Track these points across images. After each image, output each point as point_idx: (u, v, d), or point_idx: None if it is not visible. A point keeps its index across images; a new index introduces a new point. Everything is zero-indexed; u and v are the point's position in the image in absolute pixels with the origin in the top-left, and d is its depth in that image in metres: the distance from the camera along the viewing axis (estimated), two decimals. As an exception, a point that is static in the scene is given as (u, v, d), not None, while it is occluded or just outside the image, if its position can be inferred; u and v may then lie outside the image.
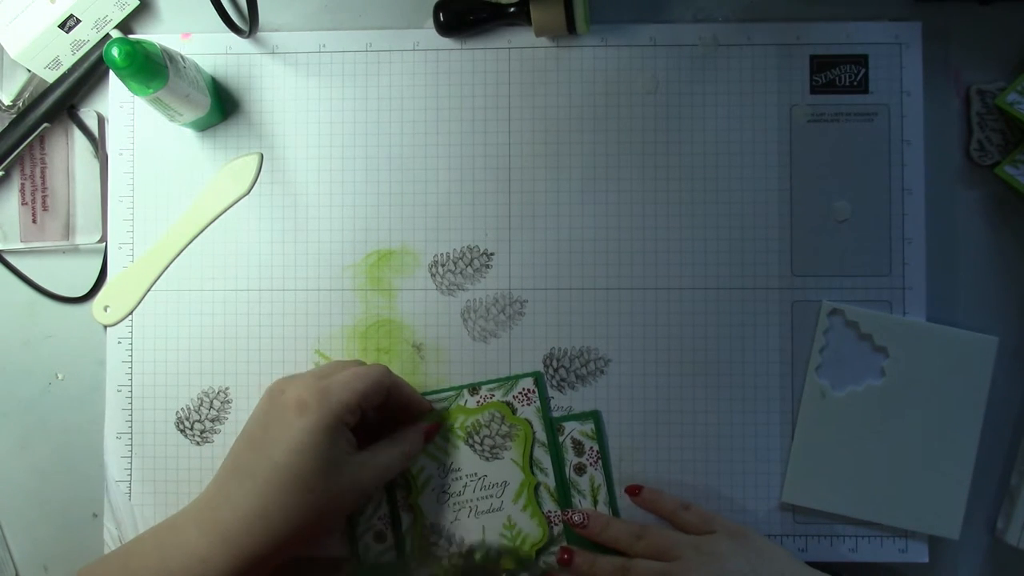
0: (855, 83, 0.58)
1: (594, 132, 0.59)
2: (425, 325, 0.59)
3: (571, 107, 0.59)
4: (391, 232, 0.59)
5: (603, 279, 0.58)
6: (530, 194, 0.59)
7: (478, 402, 0.58)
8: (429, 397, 0.58)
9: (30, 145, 0.59)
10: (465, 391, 0.58)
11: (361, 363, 0.56)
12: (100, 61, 0.58)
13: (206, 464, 0.59)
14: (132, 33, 0.60)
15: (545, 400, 0.58)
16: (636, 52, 0.59)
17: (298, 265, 0.59)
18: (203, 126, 0.59)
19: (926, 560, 0.57)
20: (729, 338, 0.58)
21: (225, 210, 0.59)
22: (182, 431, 0.59)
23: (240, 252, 0.59)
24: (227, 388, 0.59)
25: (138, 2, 0.59)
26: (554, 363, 0.58)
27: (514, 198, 0.59)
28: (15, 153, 0.59)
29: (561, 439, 0.58)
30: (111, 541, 0.58)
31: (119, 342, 0.59)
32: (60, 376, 0.61)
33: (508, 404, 0.58)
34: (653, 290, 0.58)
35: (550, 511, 0.57)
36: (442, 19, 0.58)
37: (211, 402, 0.59)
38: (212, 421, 0.59)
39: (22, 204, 0.60)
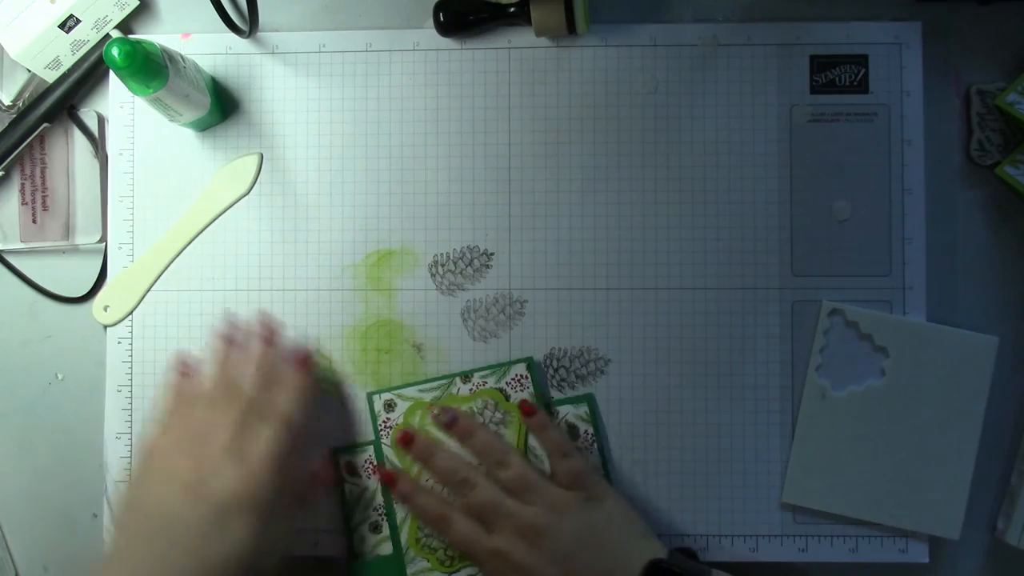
0: (855, 83, 0.58)
1: (594, 132, 0.59)
2: (425, 325, 0.59)
3: (571, 107, 0.59)
4: (391, 232, 0.59)
5: (603, 279, 0.58)
6: (530, 194, 0.59)
7: (471, 390, 0.58)
8: (421, 386, 0.58)
9: (30, 145, 0.59)
10: (457, 379, 0.58)
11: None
12: (100, 61, 0.58)
13: (206, 464, 0.59)
14: (132, 33, 0.60)
15: (539, 385, 0.58)
16: (636, 52, 0.59)
17: (298, 265, 0.59)
18: (203, 126, 0.59)
19: (926, 560, 0.57)
20: (729, 338, 0.58)
21: (225, 210, 0.59)
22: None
23: (240, 252, 0.59)
24: (227, 388, 0.59)
25: (138, 2, 0.59)
26: (554, 363, 0.58)
27: (514, 198, 0.59)
28: (15, 153, 0.59)
29: (556, 423, 0.58)
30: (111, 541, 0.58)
31: (119, 342, 0.59)
32: (60, 376, 0.61)
33: (501, 391, 0.58)
34: (653, 290, 0.58)
35: None
36: (442, 19, 0.58)
37: (211, 402, 0.59)
38: (212, 421, 0.59)
39: (22, 204, 0.60)
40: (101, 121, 0.60)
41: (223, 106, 0.59)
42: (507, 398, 0.58)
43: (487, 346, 0.58)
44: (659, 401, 0.58)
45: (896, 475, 0.56)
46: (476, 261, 0.59)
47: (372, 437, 0.58)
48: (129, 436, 0.59)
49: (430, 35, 0.59)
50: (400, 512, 0.57)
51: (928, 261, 0.58)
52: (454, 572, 0.56)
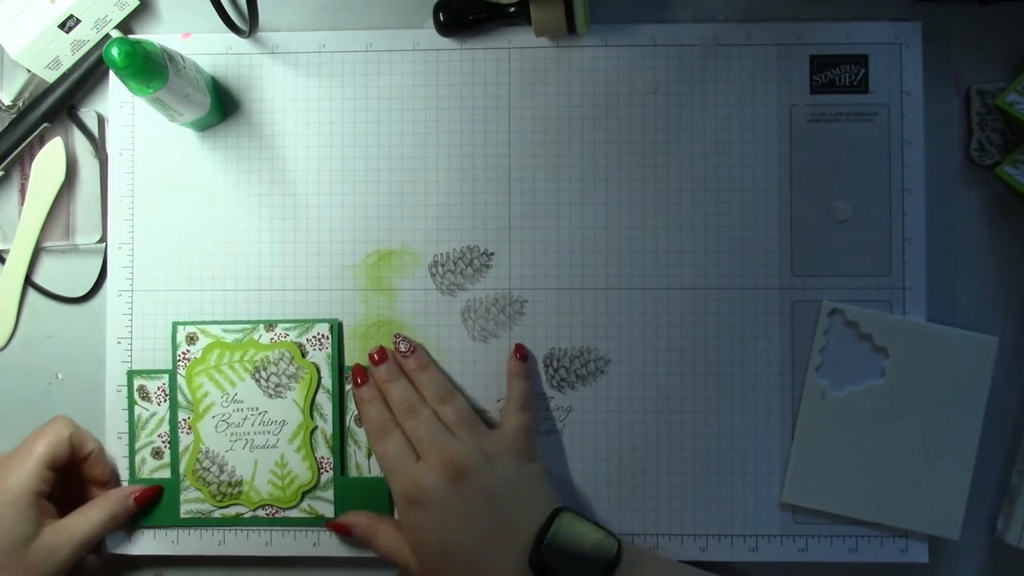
0: (855, 83, 0.58)
1: (594, 132, 0.59)
2: (425, 325, 0.59)
3: (571, 107, 0.59)
4: (391, 232, 0.59)
5: (603, 279, 0.58)
6: (530, 194, 0.59)
7: (271, 339, 0.58)
8: (225, 326, 0.58)
9: (30, 145, 0.59)
10: (261, 326, 0.58)
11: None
12: (100, 61, 0.58)
13: (206, 464, 0.59)
14: (132, 33, 0.60)
15: (337, 348, 0.58)
16: (636, 52, 0.59)
17: (298, 265, 0.59)
18: (203, 126, 0.59)
19: (926, 560, 0.57)
20: (729, 338, 0.58)
21: (54, 198, 0.59)
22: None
23: (240, 252, 0.59)
24: (227, 388, 0.59)
25: (138, 2, 0.59)
26: (554, 363, 0.58)
27: (514, 198, 0.59)
28: (15, 153, 0.59)
29: (349, 388, 0.58)
30: (110, 541, 0.58)
31: (119, 342, 0.59)
32: (60, 376, 0.61)
33: (299, 346, 0.58)
34: (653, 290, 0.58)
35: (323, 456, 0.58)
36: (442, 19, 0.58)
37: (211, 402, 0.59)
38: (212, 421, 0.59)
39: (22, 204, 0.60)
40: (101, 121, 0.60)
41: (223, 106, 0.59)
42: (304, 354, 0.58)
43: (487, 346, 0.58)
44: (659, 401, 0.58)
45: (896, 475, 0.56)
46: (476, 261, 0.59)
47: (170, 365, 0.58)
48: (129, 436, 0.59)
49: (430, 35, 0.59)
50: (183, 442, 0.58)
51: (928, 261, 0.58)
52: (223, 507, 0.57)
